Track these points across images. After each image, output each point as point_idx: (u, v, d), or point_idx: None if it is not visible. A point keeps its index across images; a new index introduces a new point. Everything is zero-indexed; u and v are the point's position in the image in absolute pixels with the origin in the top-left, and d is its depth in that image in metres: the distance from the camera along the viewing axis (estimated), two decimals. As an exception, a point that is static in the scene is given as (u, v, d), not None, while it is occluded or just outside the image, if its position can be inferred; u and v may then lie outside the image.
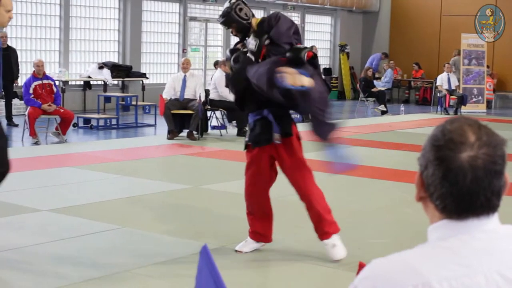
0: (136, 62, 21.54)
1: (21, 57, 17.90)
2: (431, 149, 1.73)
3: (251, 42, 6.23)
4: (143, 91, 20.41)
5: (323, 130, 6.17)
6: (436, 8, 27.58)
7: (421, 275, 1.63)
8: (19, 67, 16.69)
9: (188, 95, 14.89)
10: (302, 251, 6.64)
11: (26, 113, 13.78)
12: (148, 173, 10.67)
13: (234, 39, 25.18)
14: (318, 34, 28.33)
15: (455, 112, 22.25)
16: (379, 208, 8.78)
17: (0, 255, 6.37)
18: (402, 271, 1.65)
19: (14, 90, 16.63)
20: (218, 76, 15.66)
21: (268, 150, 6.34)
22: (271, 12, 23.50)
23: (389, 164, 12.02)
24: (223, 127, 15.91)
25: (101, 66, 19.89)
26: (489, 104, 24.60)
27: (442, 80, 22.65)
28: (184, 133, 14.77)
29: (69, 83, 19.66)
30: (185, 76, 14.98)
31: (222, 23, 6.49)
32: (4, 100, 15.98)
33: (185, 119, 14.74)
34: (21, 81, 16.84)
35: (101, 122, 16.49)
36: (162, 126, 15.71)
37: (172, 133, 14.59)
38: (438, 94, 23.12)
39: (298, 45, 6.27)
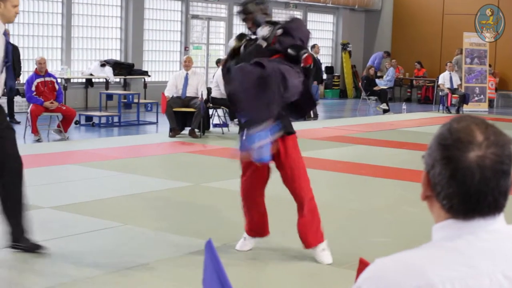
0: (138, 60, 21.55)
1: (23, 55, 17.89)
2: (438, 148, 1.72)
3: (264, 29, 6.22)
4: (145, 89, 20.42)
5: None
6: (438, 7, 27.57)
7: (425, 275, 1.62)
8: (21, 65, 16.69)
9: (190, 93, 14.90)
10: (298, 250, 6.64)
11: (28, 110, 13.80)
12: (149, 171, 10.67)
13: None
14: (320, 32, 28.32)
15: (457, 111, 22.23)
16: (380, 206, 8.78)
17: (1, 252, 6.38)
18: (405, 271, 1.64)
19: (16, 87, 16.63)
20: (220, 74, 15.61)
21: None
22: (273, 10, 23.51)
23: (390, 163, 12.02)
24: (225, 125, 15.91)
25: (103, 64, 19.89)
26: (491, 103, 24.59)
27: (444, 79, 22.64)
28: (186, 131, 14.78)
29: (71, 80, 19.68)
30: (187, 74, 14.98)
31: (240, 11, 6.46)
32: (6, 97, 15.97)
33: (187, 117, 14.75)
34: (23, 78, 16.85)
35: (103, 120, 16.50)
36: (164, 124, 15.71)
37: (174, 131, 14.60)
38: (440, 93, 23.11)
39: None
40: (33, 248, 6.26)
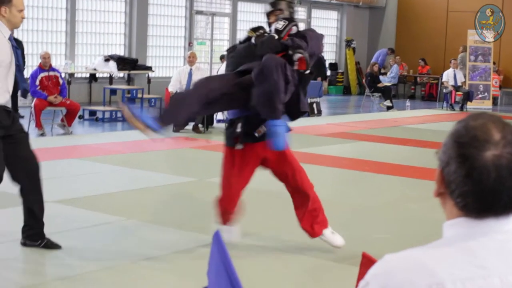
0: (142, 55, 21.54)
1: (27, 49, 17.91)
2: (454, 145, 1.69)
3: (280, 23, 6.21)
4: (148, 84, 20.42)
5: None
6: (443, 4, 27.54)
7: (436, 275, 1.60)
8: (25, 59, 16.69)
9: (194, 88, 14.88)
10: (303, 244, 6.65)
11: (32, 104, 13.81)
12: (153, 166, 10.68)
13: (240, 34, 25.00)
14: (325, 29, 28.30)
15: (461, 109, 22.23)
16: (383, 203, 8.78)
17: (5, 245, 6.40)
18: (416, 269, 1.62)
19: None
20: (224, 70, 15.65)
21: (260, 148, 6.24)
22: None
23: (394, 159, 12.02)
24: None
25: (107, 59, 19.89)
26: (495, 100, 24.57)
27: (448, 76, 22.62)
28: (190, 126, 14.78)
29: (75, 75, 19.68)
30: (191, 69, 14.99)
31: (271, 3, 6.48)
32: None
33: (191, 112, 14.73)
34: (27, 73, 16.86)
35: (107, 115, 16.51)
36: (168, 119, 15.69)
37: (178, 126, 14.60)
38: (444, 90, 23.10)
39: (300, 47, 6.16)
40: (50, 246, 6.29)
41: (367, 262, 3.33)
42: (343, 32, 28.76)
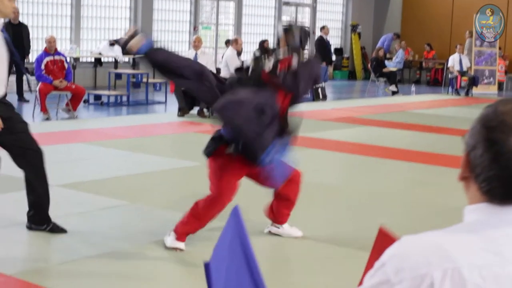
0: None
1: (33, 34, 17.88)
2: (482, 129, 1.67)
3: (282, 51, 6.07)
4: (153, 69, 20.36)
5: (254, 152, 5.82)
6: (449, -11, 27.45)
7: (453, 260, 1.58)
8: (30, 43, 16.68)
9: (199, 73, 14.86)
10: (310, 232, 6.65)
11: (37, 89, 13.81)
12: (158, 150, 10.68)
13: (245, 19, 24.93)
14: (330, 14, 28.22)
15: (466, 94, 22.18)
16: (389, 187, 8.77)
17: (9, 229, 6.41)
18: (433, 253, 1.59)
19: (25, 66, 16.64)
20: (229, 54, 15.64)
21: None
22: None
23: (399, 145, 12.00)
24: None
25: (112, 43, 19.81)
26: (500, 85, 24.50)
27: (453, 61, 22.57)
28: (195, 110, 14.77)
29: (80, 59, 19.67)
30: (196, 54, 14.96)
31: (285, 27, 6.34)
32: (15, 75, 15.98)
33: (196, 96, 14.72)
34: (32, 57, 16.85)
35: (112, 99, 16.51)
36: (173, 104, 15.71)
37: (183, 111, 14.60)
38: (450, 75, 23.05)
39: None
40: (56, 230, 6.31)
41: (383, 237, 3.34)
42: (348, 17, 28.67)
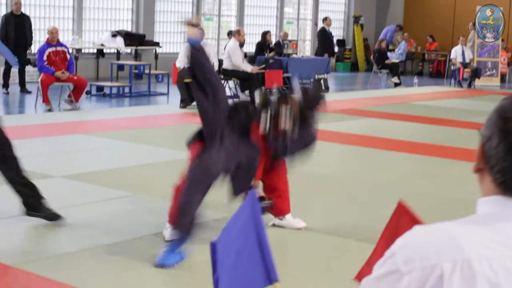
0: (150, 31, 21.50)
1: (35, 24, 17.86)
2: (498, 120, 1.65)
3: (266, 126, 6.01)
4: (156, 60, 20.39)
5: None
6: (452, -20, 27.39)
7: (463, 251, 1.56)
8: (33, 34, 16.67)
9: (201, 64, 14.84)
10: (313, 223, 6.66)
11: (39, 80, 13.80)
12: (160, 141, 10.68)
13: (248, 10, 24.88)
14: (333, 5, 28.18)
15: (469, 85, 22.16)
16: (391, 179, 8.78)
17: (12, 220, 6.41)
18: (444, 243, 1.58)
19: (28, 57, 16.63)
20: (232, 46, 15.63)
21: None
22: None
23: (401, 136, 12.00)
24: (236, 96, 15.89)
25: (115, 34, 19.85)
26: (503, 77, 24.47)
27: (456, 53, 22.53)
28: (197, 102, 14.74)
29: (82, 51, 19.66)
30: (198, 45, 14.92)
31: (302, 90, 6.39)
32: (18, 67, 15.97)
33: (198, 88, 14.71)
34: (34, 48, 16.84)
35: (114, 90, 16.50)
36: (175, 95, 15.71)
37: (185, 102, 14.59)
38: (452, 67, 23.02)
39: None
40: (52, 217, 6.31)
41: (401, 211, 3.35)
42: (351, 9, 28.63)
